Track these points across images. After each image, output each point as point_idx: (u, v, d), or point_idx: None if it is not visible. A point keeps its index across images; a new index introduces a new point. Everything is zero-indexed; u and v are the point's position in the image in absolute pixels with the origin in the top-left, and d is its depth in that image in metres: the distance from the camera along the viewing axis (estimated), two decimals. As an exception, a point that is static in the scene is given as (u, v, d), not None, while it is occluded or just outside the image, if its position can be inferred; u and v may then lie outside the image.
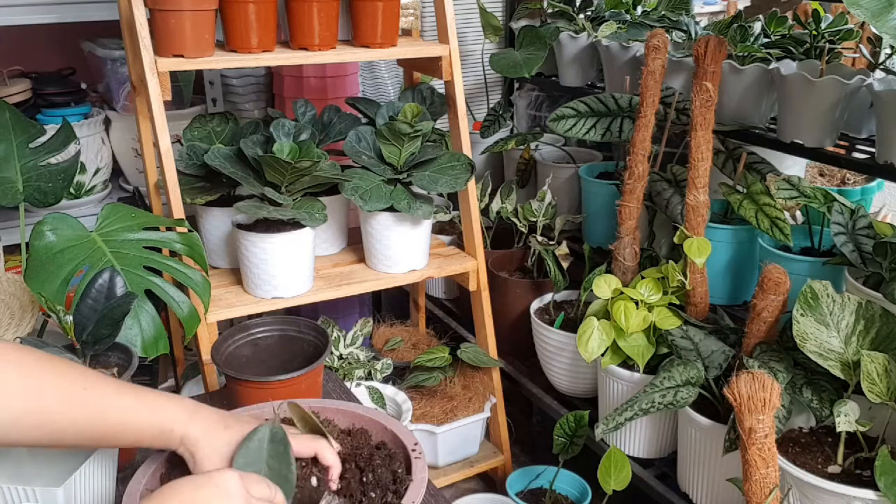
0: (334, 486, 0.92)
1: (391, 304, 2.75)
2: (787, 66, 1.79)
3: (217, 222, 1.82)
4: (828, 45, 1.95)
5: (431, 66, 1.88)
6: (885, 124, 1.59)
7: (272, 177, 1.65)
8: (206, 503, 0.76)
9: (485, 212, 2.41)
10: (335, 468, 0.92)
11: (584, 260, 2.19)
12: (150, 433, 0.88)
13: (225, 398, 1.36)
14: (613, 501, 1.70)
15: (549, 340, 2.07)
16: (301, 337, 1.34)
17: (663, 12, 2.51)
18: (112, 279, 1.23)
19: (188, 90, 2.41)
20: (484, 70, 2.81)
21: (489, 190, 2.45)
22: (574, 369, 2.06)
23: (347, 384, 1.90)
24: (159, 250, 1.56)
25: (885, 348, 1.39)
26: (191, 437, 0.88)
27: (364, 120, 2.00)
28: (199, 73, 2.43)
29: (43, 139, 1.84)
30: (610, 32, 2.29)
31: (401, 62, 2.23)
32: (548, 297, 2.22)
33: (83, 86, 2.31)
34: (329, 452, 0.93)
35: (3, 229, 2.08)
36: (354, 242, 1.99)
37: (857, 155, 1.74)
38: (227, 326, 1.99)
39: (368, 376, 2.03)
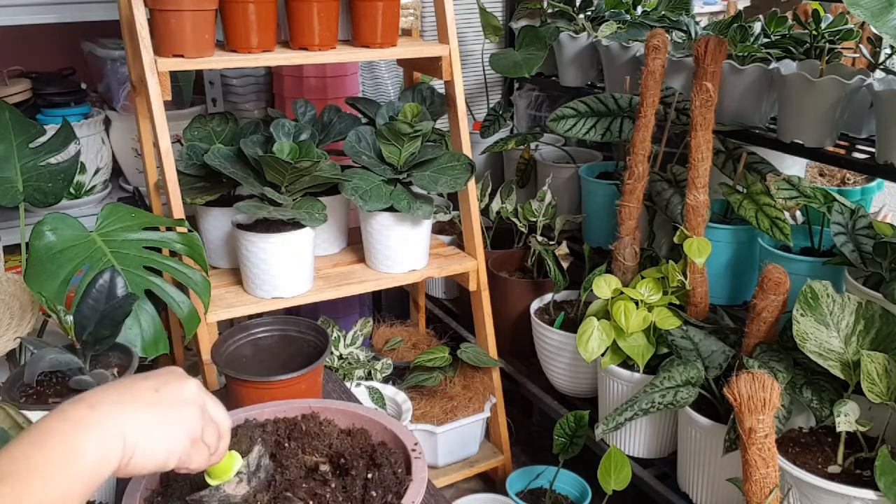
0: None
1: (391, 304, 2.75)
2: (787, 66, 1.79)
3: (217, 222, 1.82)
4: (828, 45, 1.95)
5: (431, 66, 1.88)
6: (885, 124, 1.59)
7: (272, 177, 1.65)
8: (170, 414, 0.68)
9: (485, 212, 2.41)
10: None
11: (584, 260, 2.19)
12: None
13: (225, 398, 1.37)
14: (613, 501, 1.70)
15: (549, 340, 2.07)
16: (301, 337, 1.34)
17: (663, 12, 2.51)
18: (113, 279, 1.22)
19: (188, 90, 2.40)
20: (484, 70, 2.81)
21: (489, 190, 2.45)
22: (574, 369, 2.06)
23: (347, 384, 1.90)
24: (159, 250, 1.56)
25: (885, 348, 1.39)
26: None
27: (364, 120, 2.00)
28: (199, 73, 2.43)
29: (43, 139, 1.84)
30: (610, 32, 2.29)
31: (401, 62, 2.23)
32: (548, 297, 2.22)
33: (83, 86, 2.31)
34: None
35: (3, 229, 2.08)
36: (354, 242, 1.99)
37: (857, 155, 1.74)
38: (227, 326, 2.00)
39: (368, 376, 2.03)
